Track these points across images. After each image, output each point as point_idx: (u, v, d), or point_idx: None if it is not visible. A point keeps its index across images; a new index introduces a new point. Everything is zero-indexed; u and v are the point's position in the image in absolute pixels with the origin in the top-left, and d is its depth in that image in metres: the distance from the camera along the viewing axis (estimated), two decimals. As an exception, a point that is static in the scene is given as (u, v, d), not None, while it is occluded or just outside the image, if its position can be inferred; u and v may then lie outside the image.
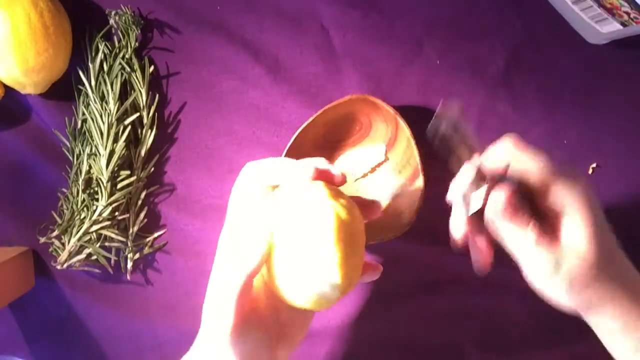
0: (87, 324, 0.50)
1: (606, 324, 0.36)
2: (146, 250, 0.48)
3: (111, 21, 0.47)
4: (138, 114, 0.47)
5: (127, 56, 0.47)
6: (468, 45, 0.49)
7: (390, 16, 0.49)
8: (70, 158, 0.48)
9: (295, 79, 0.49)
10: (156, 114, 0.48)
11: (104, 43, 0.47)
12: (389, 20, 0.49)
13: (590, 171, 0.49)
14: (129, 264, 0.48)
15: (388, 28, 0.49)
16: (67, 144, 0.48)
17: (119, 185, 0.46)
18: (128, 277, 0.48)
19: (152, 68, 0.48)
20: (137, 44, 0.48)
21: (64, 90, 0.48)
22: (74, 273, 0.49)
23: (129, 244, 0.48)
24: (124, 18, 0.46)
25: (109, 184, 0.46)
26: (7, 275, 0.45)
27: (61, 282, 0.49)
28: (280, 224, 0.33)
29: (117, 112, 0.46)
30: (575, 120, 0.49)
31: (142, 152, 0.48)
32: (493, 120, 0.49)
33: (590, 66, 0.50)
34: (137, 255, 0.48)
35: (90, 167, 0.46)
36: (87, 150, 0.46)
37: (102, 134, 0.46)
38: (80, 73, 0.47)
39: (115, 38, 0.48)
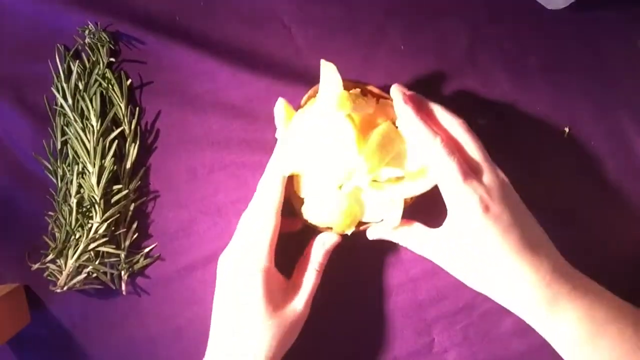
0: (88, 349, 0.50)
1: (570, 328, 0.38)
2: (140, 262, 0.49)
3: (87, 39, 0.48)
4: (122, 128, 0.48)
5: (100, 72, 0.48)
6: (430, 26, 0.50)
7: (349, 6, 0.50)
8: (55, 180, 0.49)
9: (264, 79, 0.49)
10: (138, 126, 0.50)
11: (76, 62, 0.48)
12: (348, 10, 0.50)
13: (565, 135, 0.50)
14: (124, 278, 0.49)
15: (349, 18, 0.50)
16: (49, 166, 0.49)
17: (113, 200, 0.47)
18: (124, 292, 0.49)
19: (129, 81, 0.49)
20: (108, 58, 0.49)
21: (35, 114, 0.49)
22: (68, 301, 0.49)
23: (122, 258, 0.48)
24: (96, 35, 0.48)
25: (102, 200, 0.47)
26: (0, 314, 0.45)
27: (57, 312, 0.50)
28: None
29: (100, 128, 0.47)
30: (545, 87, 0.51)
31: (128, 165, 0.48)
32: (464, 98, 0.50)
33: (552, 32, 0.51)
34: (132, 269, 0.49)
35: (80, 185, 0.47)
36: (75, 169, 0.47)
37: (88, 151, 0.47)
38: (56, 94, 0.48)
39: (83, 55, 0.50)
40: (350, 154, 0.39)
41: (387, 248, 0.49)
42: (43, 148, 0.49)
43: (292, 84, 0.49)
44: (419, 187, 0.41)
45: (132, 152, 0.49)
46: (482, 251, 0.39)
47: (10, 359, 0.50)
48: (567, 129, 0.50)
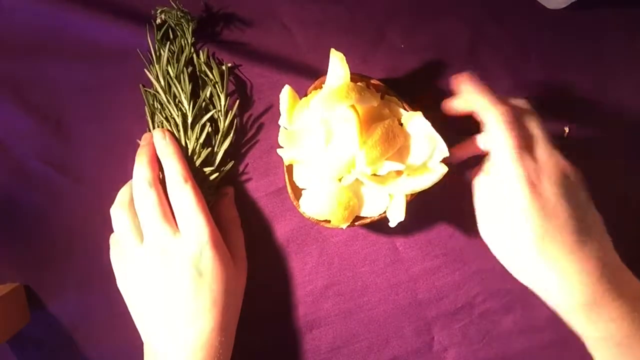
0: (88, 349, 0.50)
1: (608, 326, 0.38)
2: None
3: (157, 20, 0.48)
4: (215, 110, 0.48)
5: (187, 54, 0.48)
6: (430, 25, 0.51)
7: (349, 6, 0.51)
8: None
9: (267, 74, 0.50)
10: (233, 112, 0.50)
11: (167, 43, 0.48)
12: (348, 10, 0.51)
13: (565, 134, 0.51)
14: None
15: (348, 18, 0.51)
16: None
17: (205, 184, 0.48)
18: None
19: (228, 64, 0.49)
20: (193, 39, 0.49)
21: (36, 114, 0.50)
22: (68, 300, 0.50)
23: None
24: (173, 14, 0.47)
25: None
26: (0, 314, 0.46)
27: (57, 312, 0.50)
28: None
29: (192, 111, 0.47)
30: (545, 87, 0.51)
31: (221, 152, 0.48)
32: (465, 96, 0.51)
33: (552, 31, 0.52)
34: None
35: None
36: None
37: (179, 134, 0.47)
38: (150, 76, 0.48)
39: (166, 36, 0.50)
40: (352, 146, 0.39)
41: (386, 247, 0.50)
42: (44, 147, 0.49)
43: (293, 83, 0.50)
44: (420, 184, 0.42)
45: (225, 141, 0.48)
46: (525, 234, 0.38)
47: (10, 359, 0.50)
48: (567, 129, 0.51)
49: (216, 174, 0.48)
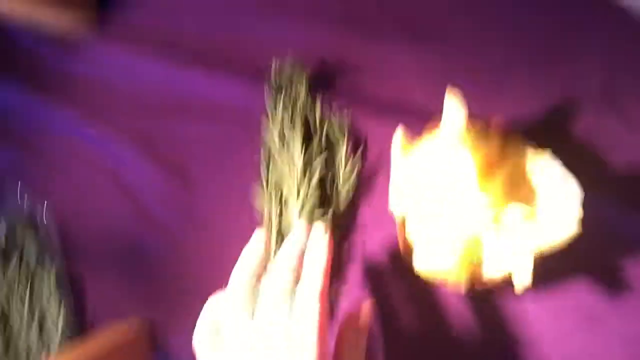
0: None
1: None
2: None
3: (272, 73, 0.51)
4: (323, 154, 0.48)
5: (303, 102, 0.50)
6: (558, 68, 0.48)
7: (469, 53, 0.50)
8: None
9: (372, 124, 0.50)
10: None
11: (282, 93, 0.50)
12: (468, 55, 0.50)
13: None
14: None
15: (467, 64, 0.50)
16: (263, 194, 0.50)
17: None
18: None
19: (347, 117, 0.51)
20: (308, 86, 0.51)
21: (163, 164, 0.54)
22: (185, 343, 0.50)
23: None
24: (288, 67, 0.51)
25: None
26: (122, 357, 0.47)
27: (174, 352, 0.51)
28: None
29: (303, 157, 0.48)
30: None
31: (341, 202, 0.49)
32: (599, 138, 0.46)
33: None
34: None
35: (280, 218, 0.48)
36: (278, 200, 0.49)
37: (292, 182, 0.48)
38: (270, 124, 0.51)
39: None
40: (471, 193, 0.36)
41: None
42: (169, 196, 0.53)
43: (406, 126, 0.46)
44: (552, 238, 0.37)
45: (346, 193, 0.49)
46: None
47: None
48: None
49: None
